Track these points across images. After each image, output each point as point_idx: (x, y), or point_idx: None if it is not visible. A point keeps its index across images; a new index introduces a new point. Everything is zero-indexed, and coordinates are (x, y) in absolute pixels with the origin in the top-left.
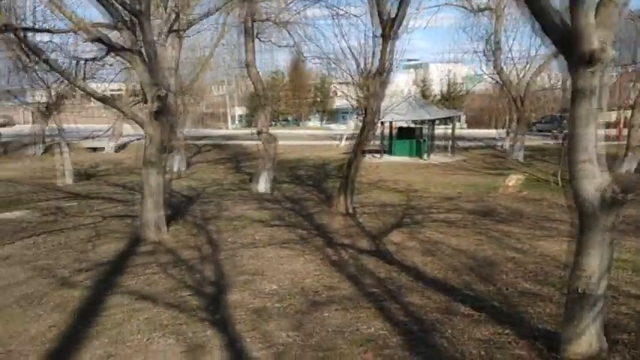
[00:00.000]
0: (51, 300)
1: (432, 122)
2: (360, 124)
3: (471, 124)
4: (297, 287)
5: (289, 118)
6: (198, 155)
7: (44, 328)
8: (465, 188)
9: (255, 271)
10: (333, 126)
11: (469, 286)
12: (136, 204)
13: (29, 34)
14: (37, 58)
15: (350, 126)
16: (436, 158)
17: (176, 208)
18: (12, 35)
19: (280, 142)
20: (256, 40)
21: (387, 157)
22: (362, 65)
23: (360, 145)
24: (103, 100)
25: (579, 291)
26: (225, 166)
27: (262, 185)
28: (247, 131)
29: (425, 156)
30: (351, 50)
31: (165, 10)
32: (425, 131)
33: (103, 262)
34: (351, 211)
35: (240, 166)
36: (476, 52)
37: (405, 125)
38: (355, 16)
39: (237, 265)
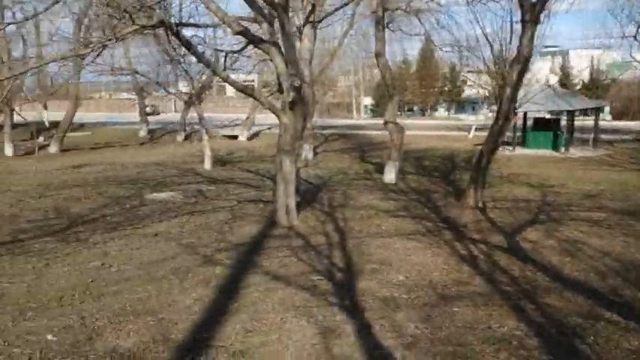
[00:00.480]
0: (195, 275)
1: (572, 113)
2: (491, 114)
3: (617, 115)
4: (425, 280)
5: (415, 108)
6: (325, 145)
7: (190, 301)
8: (610, 185)
9: (383, 260)
10: (461, 116)
11: (615, 291)
12: (267, 190)
13: (180, 29)
14: (185, 51)
15: (480, 116)
16: (575, 152)
17: (305, 195)
18: (162, 31)
19: (407, 133)
20: (386, 30)
21: (520, 150)
22: (497, 53)
23: (493, 137)
24: (243, 90)
25: None
26: (350, 156)
27: (388, 175)
28: (374, 121)
29: (562, 149)
30: (487, 37)
31: (303, 2)
32: (562, 123)
33: (240, 243)
34: (481, 205)
35: (366, 156)
36: (625, 36)
37: (540, 116)
38: (494, 0)
39: (365, 253)
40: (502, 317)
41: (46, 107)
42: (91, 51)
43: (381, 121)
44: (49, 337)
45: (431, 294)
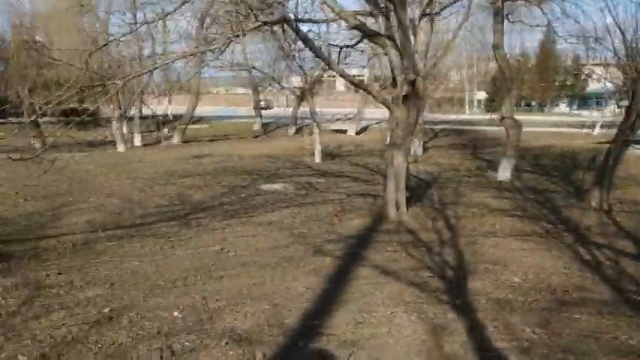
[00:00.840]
0: (306, 264)
1: None
2: (619, 110)
3: None
4: (543, 283)
5: (533, 103)
6: (435, 140)
7: (302, 289)
8: None
9: (497, 260)
10: (584, 112)
11: None
12: (376, 184)
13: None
14: (299, 47)
15: (606, 113)
16: None
17: (414, 191)
18: (278, 27)
19: (524, 129)
20: (505, 21)
21: None
22: (630, 42)
23: (622, 134)
24: (358, 84)
25: None
26: (461, 152)
27: (503, 173)
28: (486, 116)
29: None
30: (618, 25)
31: None
32: None
33: (349, 235)
34: (606, 207)
35: (478, 153)
36: None
37: None
38: None
39: (477, 252)
40: (631, 328)
41: (170, 101)
42: (216, 48)
43: (494, 117)
44: (176, 313)
45: (549, 298)
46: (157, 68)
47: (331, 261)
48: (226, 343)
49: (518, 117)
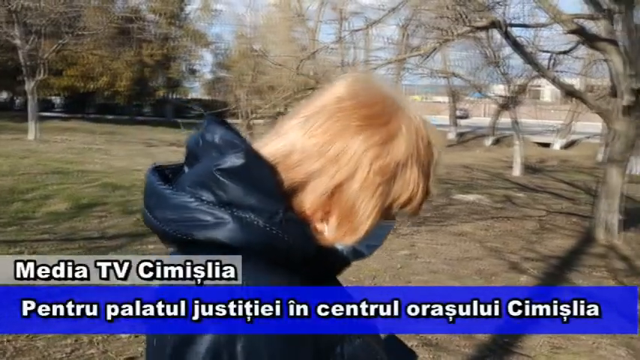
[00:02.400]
0: (499, 279)
1: None
2: None
3: None
4: None
5: None
6: None
7: None
8: None
9: None
10: None
11: None
12: (582, 203)
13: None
14: (504, 54)
15: None
16: None
17: (631, 214)
18: (483, 33)
19: None
20: None
21: None
22: None
23: None
24: (572, 92)
25: None
26: None
27: None
28: None
29: None
30: None
31: None
32: None
33: (549, 255)
34: None
35: None
36: None
37: None
38: None
39: None
40: None
41: None
42: (423, 53)
43: None
44: None
45: None
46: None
47: (527, 279)
48: (416, 345)
49: None
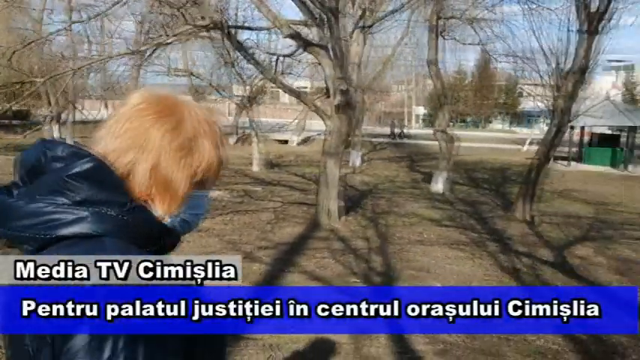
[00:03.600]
0: None
1: (633, 129)
2: (547, 127)
3: None
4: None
5: (469, 119)
6: (374, 152)
7: None
8: None
9: (422, 267)
10: (517, 129)
11: None
12: (312, 193)
13: (233, 31)
14: (239, 54)
15: (536, 130)
16: (635, 170)
17: (350, 201)
18: (218, 34)
19: (460, 144)
20: (441, 39)
21: (576, 166)
22: (555, 64)
23: (545, 149)
24: (291, 91)
25: None
26: (399, 165)
27: (436, 185)
28: (426, 131)
29: (621, 166)
30: (542, 48)
31: (353, 6)
32: (622, 139)
33: (280, 242)
34: (529, 218)
35: (415, 166)
36: None
37: (599, 131)
38: (549, 9)
39: (404, 259)
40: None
41: (107, 106)
42: (147, 50)
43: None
44: None
45: None
46: (82, 68)
47: (260, 267)
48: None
49: (454, 132)
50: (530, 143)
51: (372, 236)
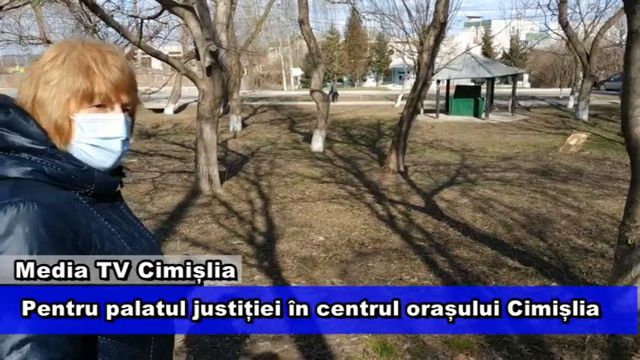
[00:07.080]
0: None
1: (492, 81)
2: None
3: (534, 83)
4: (343, 239)
5: (344, 78)
6: (254, 116)
7: None
8: (524, 147)
9: (304, 223)
10: (389, 86)
11: (519, 242)
12: (191, 161)
13: None
14: (96, 18)
15: (407, 86)
16: (495, 118)
17: (231, 165)
18: None
19: (336, 103)
20: None
21: (443, 117)
22: (418, 21)
23: (412, 102)
24: (157, 55)
25: (629, 242)
26: (280, 127)
27: (316, 144)
28: (304, 92)
29: (483, 115)
30: (406, 6)
31: None
32: (484, 90)
33: (160, 213)
34: (402, 169)
35: (295, 127)
36: (540, 6)
37: (463, 84)
38: None
39: (287, 217)
40: (413, 269)
41: None
42: None
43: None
44: None
45: (348, 252)
46: None
47: None
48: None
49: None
50: (403, 99)
51: (255, 198)
